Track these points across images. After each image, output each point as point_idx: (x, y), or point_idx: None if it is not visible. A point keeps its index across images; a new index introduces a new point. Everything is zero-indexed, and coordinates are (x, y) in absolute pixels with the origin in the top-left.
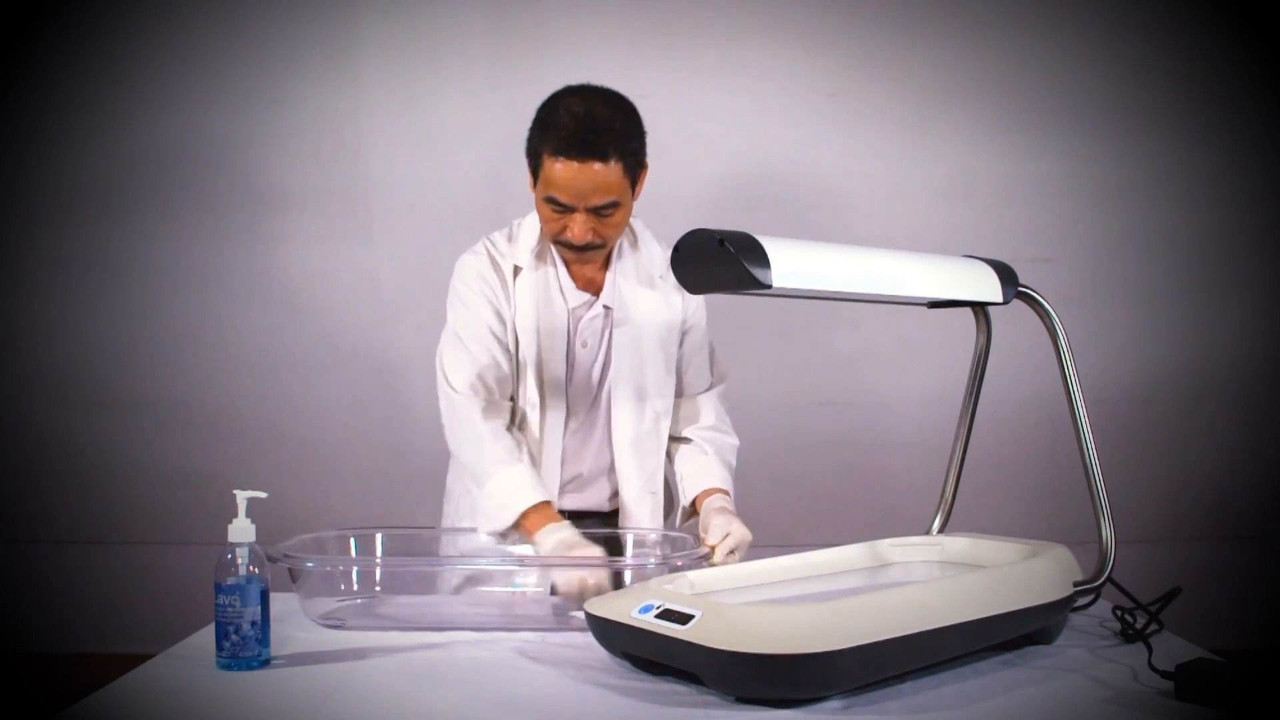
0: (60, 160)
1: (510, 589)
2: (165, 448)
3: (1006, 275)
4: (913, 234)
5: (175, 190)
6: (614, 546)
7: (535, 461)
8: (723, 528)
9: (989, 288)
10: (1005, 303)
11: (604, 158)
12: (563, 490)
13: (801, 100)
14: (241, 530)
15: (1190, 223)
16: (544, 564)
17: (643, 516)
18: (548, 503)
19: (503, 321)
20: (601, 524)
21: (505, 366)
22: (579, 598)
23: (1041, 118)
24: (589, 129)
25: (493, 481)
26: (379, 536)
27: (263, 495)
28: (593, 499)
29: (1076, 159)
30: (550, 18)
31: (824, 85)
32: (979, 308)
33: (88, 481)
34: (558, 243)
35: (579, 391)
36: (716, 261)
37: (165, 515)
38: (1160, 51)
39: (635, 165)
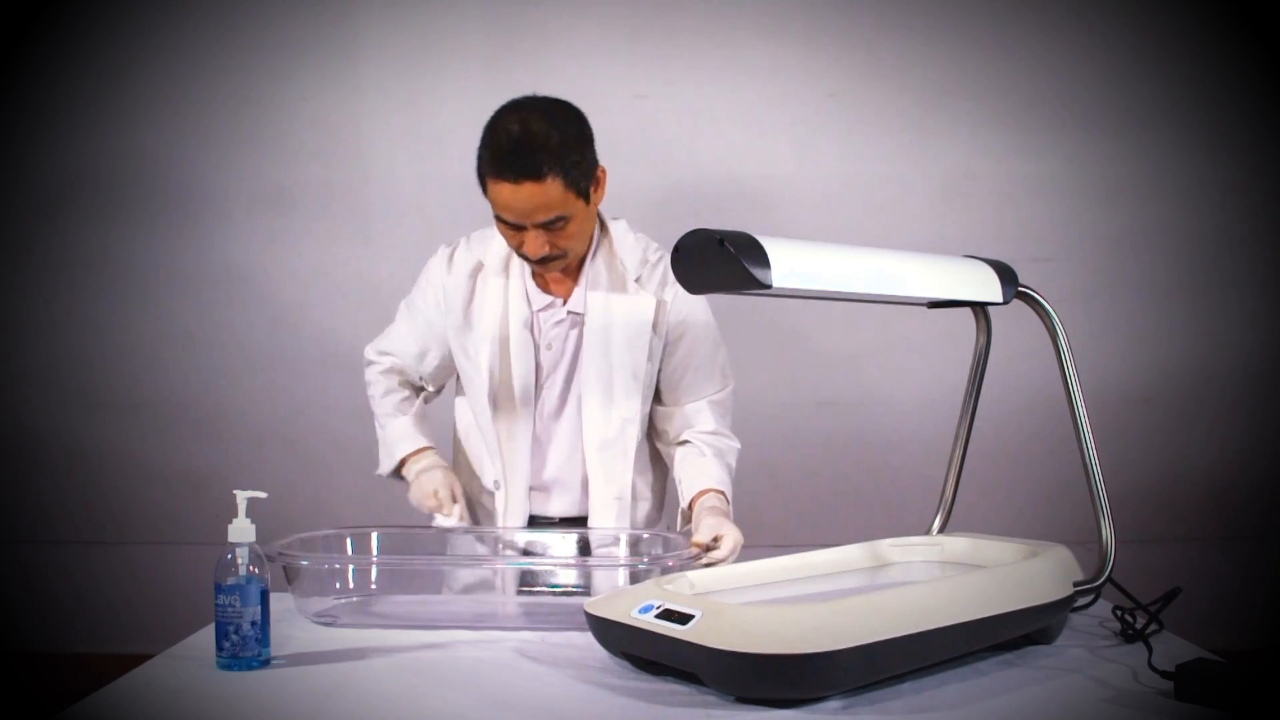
0: (60, 160)
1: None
2: (165, 448)
3: (1006, 275)
4: (913, 234)
5: (175, 190)
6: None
7: (502, 465)
8: (713, 529)
9: (989, 288)
10: (1005, 303)
11: (538, 177)
12: (533, 494)
13: (801, 100)
14: (241, 530)
15: (1190, 223)
16: (539, 565)
17: (608, 522)
18: (429, 448)
19: (444, 318)
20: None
21: (434, 359)
22: None
23: (1041, 118)
24: (523, 149)
25: (382, 432)
26: (374, 535)
27: (263, 495)
28: (564, 503)
29: (1076, 159)
30: (550, 18)
31: (823, 85)
32: (979, 308)
33: (88, 481)
34: (519, 254)
35: (546, 395)
36: (716, 261)
37: (165, 515)
38: (1160, 51)
39: (580, 177)
